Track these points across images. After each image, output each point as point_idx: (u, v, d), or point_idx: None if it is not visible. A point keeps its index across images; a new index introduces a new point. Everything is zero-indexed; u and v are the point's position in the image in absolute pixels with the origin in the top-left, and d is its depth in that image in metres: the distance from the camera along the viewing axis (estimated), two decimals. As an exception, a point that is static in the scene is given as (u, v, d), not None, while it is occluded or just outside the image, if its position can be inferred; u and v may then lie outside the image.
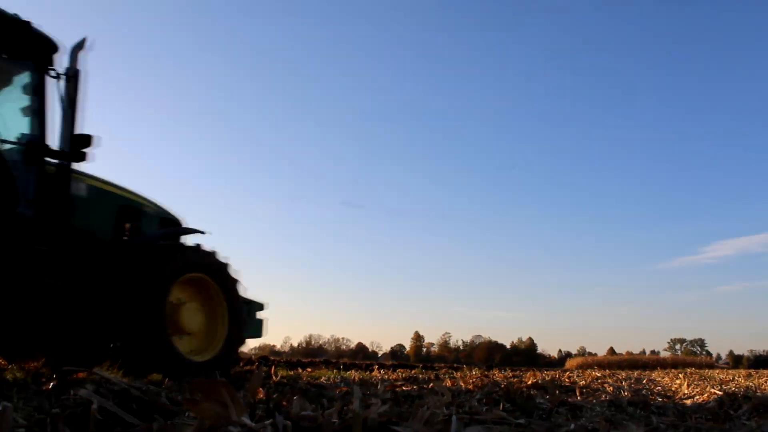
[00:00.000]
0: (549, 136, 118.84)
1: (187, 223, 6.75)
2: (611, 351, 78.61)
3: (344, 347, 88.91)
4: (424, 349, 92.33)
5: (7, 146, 4.81)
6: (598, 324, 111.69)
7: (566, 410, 3.68)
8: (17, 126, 5.18)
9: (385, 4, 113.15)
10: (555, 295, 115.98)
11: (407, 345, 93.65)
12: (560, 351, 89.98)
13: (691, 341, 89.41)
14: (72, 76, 5.15)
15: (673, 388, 6.90)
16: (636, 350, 77.67)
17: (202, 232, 6.23)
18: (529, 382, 5.59)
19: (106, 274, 5.25)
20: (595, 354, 75.29)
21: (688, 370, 20.98)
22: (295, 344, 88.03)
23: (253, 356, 19.75)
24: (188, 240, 6.43)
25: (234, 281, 6.08)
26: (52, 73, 5.22)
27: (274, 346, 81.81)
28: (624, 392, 5.75)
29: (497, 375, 10.88)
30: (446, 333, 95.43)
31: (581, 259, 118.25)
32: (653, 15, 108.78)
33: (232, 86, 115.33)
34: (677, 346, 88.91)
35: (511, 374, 11.29)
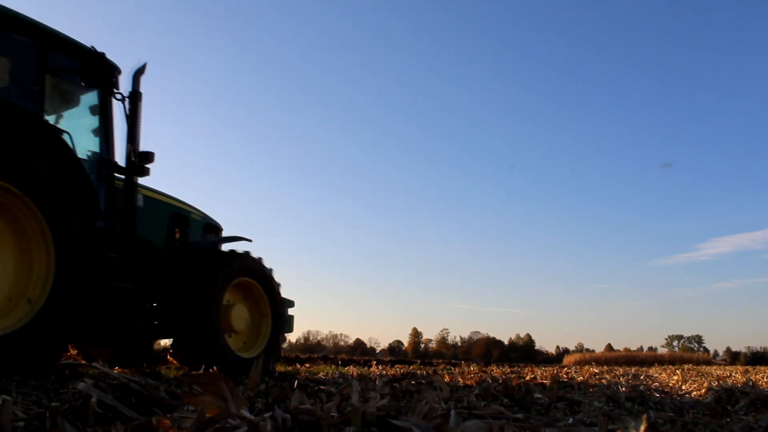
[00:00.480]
0: (548, 134, 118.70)
1: (225, 228, 7.36)
2: (609, 347, 78.76)
3: (342, 343, 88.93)
4: (422, 346, 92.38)
5: (84, 163, 5.20)
6: (595, 320, 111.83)
7: (564, 405, 3.69)
8: (88, 144, 5.59)
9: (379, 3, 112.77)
10: (553, 292, 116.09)
11: (405, 341, 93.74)
12: (558, 347, 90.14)
13: (688, 338, 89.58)
14: (134, 98, 5.63)
15: (670, 384, 6.93)
16: (633, 347, 77.75)
17: (250, 240, 6.83)
18: (527, 378, 5.60)
19: (167, 278, 5.83)
20: (593, 350, 75.51)
21: (686, 367, 21.04)
22: (293, 340, 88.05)
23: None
24: (231, 245, 6.90)
25: (277, 285, 6.75)
26: (117, 95, 5.69)
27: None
28: (622, 388, 5.76)
29: (495, 371, 10.91)
30: (444, 329, 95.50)
31: (579, 255, 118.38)
32: (653, 14, 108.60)
33: (227, 83, 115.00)
34: (675, 343, 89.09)
35: (509, 370, 11.32)
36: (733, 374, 11.69)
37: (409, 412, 2.24)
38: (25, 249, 4.50)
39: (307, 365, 11.61)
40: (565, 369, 14.61)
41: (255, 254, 6.55)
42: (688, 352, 68.90)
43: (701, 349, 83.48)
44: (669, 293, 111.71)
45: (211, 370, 2.29)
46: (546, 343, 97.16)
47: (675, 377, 8.82)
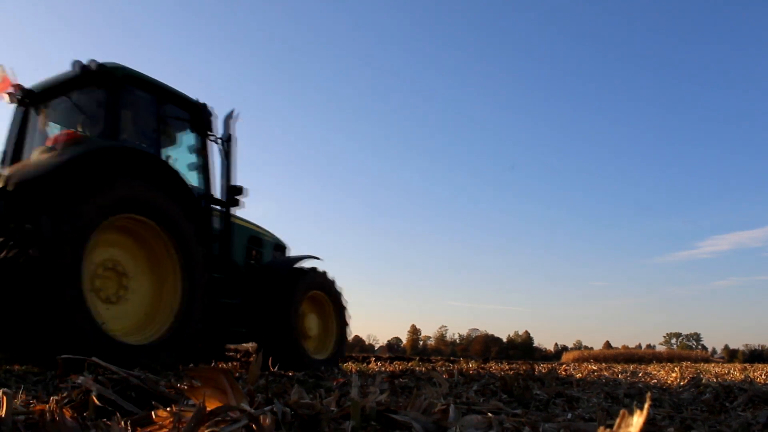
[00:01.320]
0: (547, 134, 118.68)
1: (290, 246, 8.41)
2: (607, 345, 78.94)
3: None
4: (421, 343, 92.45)
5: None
6: (594, 318, 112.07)
7: (563, 401, 3.70)
8: (191, 180, 6.37)
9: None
10: (552, 289, 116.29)
11: (404, 338, 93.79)
12: (556, 345, 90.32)
13: (686, 335, 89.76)
14: (227, 140, 6.64)
15: (668, 381, 6.94)
16: (632, 344, 77.96)
17: (319, 259, 7.78)
18: (524, 368, 5.62)
19: (253, 292, 6.78)
20: (591, 348, 75.54)
21: (684, 364, 21.07)
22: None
23: (250, 348, 19.80)
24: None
25: (340, 295, 7.86)
26: (212, 137, 6.67)
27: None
28: (620, 384, 5.77)
29: (494, 368, 10.93)
30: (443, 326, 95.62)
31: (578, 253, 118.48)
32: (653, 14, 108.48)
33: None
34: (673, 341, 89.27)
35: (507, 367, 11.34)
36: (732, 371, 11.72)
37: (408, 407, 2.25)
38: (159, 273, 5.37)
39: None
40: (564, 366, 14.64)
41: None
42: (687, 350, 68.95)
43: (699, 346, 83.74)
44: (667, 291, 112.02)
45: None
46: (544, 341, 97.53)
47: (673, 374, 8.84)
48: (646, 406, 0.94)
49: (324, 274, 7.60)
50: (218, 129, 6.67)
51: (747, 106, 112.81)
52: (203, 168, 6.61)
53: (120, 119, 5.64)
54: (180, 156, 6.53)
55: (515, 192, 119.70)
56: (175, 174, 5.70)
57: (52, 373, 3.82)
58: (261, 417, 1.60)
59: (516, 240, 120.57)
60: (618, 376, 8.59)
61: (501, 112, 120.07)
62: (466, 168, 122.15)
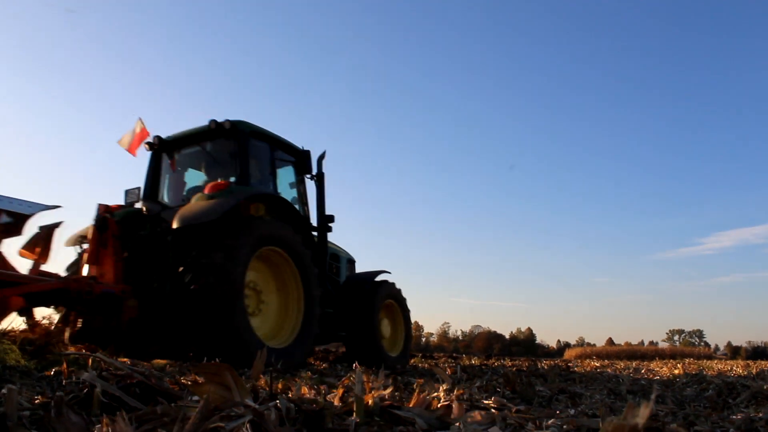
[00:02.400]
0: (551, 128, 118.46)
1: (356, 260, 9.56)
2: (610, 341, 78.83)
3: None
4: (423, 339, 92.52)
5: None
6: (596, 315, 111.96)
7: (566, 398, 3.70)
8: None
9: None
10: (554, 286, 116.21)
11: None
12: (559, 341, 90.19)
13: (689, 332, 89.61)
14: (319, 177, 7.89)
15: (671, 379, 6.93)
16: (634, 341, 77.93)
17: (390, 272, 9.03)
18: (527, 365, 5.61)
19: (345, 302, 8.10)
20: (594, 344, 75.55)
21: (687, 361, 21.05)
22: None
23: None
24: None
25: (406, 302, 9.24)
26: (308, 175, 7.98)
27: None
28: (623, 381, 5.77)
29: (496, 364, 10.92)
30: (445, 323, 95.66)
31: (580, 250, 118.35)
32: (651, 15, 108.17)
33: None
34: (676, 337, 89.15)
35: (510, 364, 11.33)
36: (734, 368, 11.70)
37: (412, 403, 2.25)
38: (285, 290, 6.57)
39: (310, 359, 11.64)
40: (567, 363, 14.62)
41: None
42: (689, 347, 68.83)
43: (702, 343, 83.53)
44: (670, 287, 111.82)
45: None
46: (547, 337, 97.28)
47: (676, 371, 8.83)
48: (652, 397, 0.94)
49: (394, 285, 8.97)
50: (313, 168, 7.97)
51: (750, 102, 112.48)
52: (302, 200, 8.07)
53: (249, 167, 6.86)
54: (283, 191, 7.75)
55: (517, 189, 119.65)
56: (296, 212, 7.13)
57: (56, 369, 3.83)
58: (265, 412, 1.60)
59: (519, 237, 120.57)
60: (621, 372, 8.59)
61: (501, 111, 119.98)
62: (468, 165, 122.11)
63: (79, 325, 5.84)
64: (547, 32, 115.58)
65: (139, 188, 7.17)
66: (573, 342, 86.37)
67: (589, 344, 77.36)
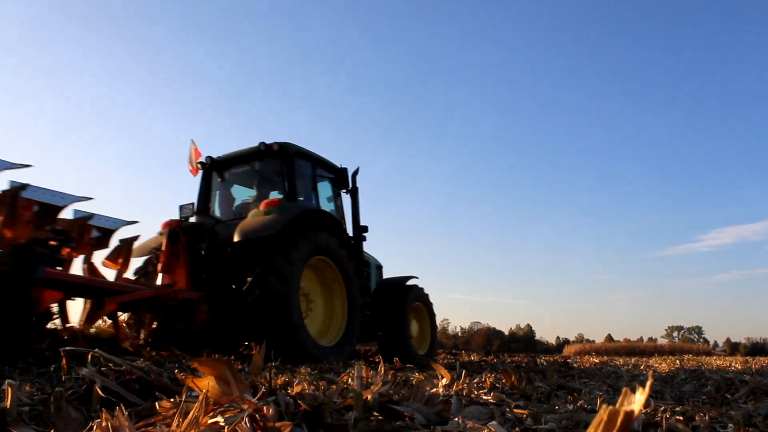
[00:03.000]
0: (551, 127, 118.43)
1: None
2: (609, 338, 78.89)
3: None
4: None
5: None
6: (596, 311, 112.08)
7: (565, 393, 3.70)
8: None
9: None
10: (553, 283, 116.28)
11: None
12: (558, 338, 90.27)
13: (688, 329, 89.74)
14: (354, 191, 8.50)
15: (670, 375, 6.95)
16: (634, 337, 77.87)
17: (417, 278, 9.69)
18: (528, 367, 5.62)
19: (378, 305, 8.79)
20: (593, 341, 75.62)
21: (686, 357, 21.08)
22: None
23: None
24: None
25: (432, 305, 10.07)
26: (344, 190, 8.67)
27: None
28: (621, 377, 5.78)
29: (495, 361, 10.93)
30: (444, 319, 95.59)
31: (580, 246, 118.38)
32: (650, 15, 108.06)
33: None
34: (675, 334, 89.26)
35: (509, 360, 11.34)
36: (733, 364, 11.72)
37: (411, 399, 2.25)
38: (330, 295, 7.37)
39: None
40: (566, 359, 14.64)
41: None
42: (688, 343, 68.98)
43: (701, 340, 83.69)
44: (669, 284, 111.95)
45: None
46: (546, 334, 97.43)
47: (675, 367, 8.84)
48: (648, 383, 0.94)
49: (422, 289, 9.73)
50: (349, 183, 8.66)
51: (749, 99, 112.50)
52: (339, 213, 8.80)
53: (296, 184, 7.61)
54: (323, 205, 8.39)
55: (516, 186, 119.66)
56: (340, 226, 7.92)
57: (55, 366, 3.84)
58: (264, 407, 1.60)
59: (518, 233, 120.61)
60: (620, 368, 8.60)
61: (501, 109, 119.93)
62: (467, 162, 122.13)
63: (154, 326, 6.54)
64: (546, 31, 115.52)
65: (192, 204, 7.78)
66: (572, 338, 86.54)
67: (588, 341, 77.48)
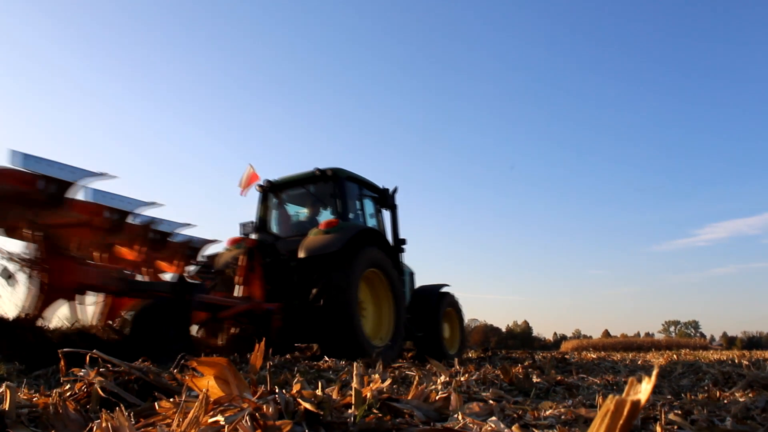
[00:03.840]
0: (546, 123, 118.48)
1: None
2: (606, 333, 78.98)
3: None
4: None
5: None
6: (593, 307, 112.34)
7: (563, 389, 3.71)
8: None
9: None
10: (550, 279, 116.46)
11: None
12: (555, 334, 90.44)
13: (685, 323, 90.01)
14: (393, 208, 9.53)
15: (668, 369, 6.97)
16: (630, 333, 78.11)
17: (449, 285, 10.62)
18: (526, 363, 5.64)
19: (416, 309, 9.66)
20: (590, 336, 75.71)
21: (683, 352, 21.15)
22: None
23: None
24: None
25: (461, 309, 11.08)
26: (384, 207, 9.63)
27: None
28: (619, 372, 5.80)
29: (491, 354, 10.95)
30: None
31: (576, 242, 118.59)
32: (648, 8, 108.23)
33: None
34: (671, 329, 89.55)
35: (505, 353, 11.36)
36: (730, 358, 11.75)
37: (410, 396, 2.26)
38: (378, 301, 8.34)
39: (308, 353, 11.76)
40: (563, 355, 14.66)
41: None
42: (685, 338, 69.11)
43: (698, 334, 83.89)
44: (666, 279, 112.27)
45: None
46: (543, 330, 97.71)
47: (672, 362, 8.86)
48: (654, 372, 0.94)
49: (453, 296, 10.74)
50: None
51: (745, 93, 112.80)
52: (380, 227, 9.62)
53: (347, 205, 8.54)
54: (367, 221, 9.20)
55: (513, 183, 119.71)
56: (387, 241, 8.81)
57: (54, 368, 3.83)
58: (264, 406, 1.61)
59: (514, 229, 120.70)
60: (617, 364, 8.62)
61: (497, 109, 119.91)
62: (465, 159, 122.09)
63: (232, 331, 7.43)
64: (544, 30, 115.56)
65: (252, 222, 8.67)
66: (569, 334, 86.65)
67: (585, 336, 77.61)
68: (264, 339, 2.27)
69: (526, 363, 5.80)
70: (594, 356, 12.91)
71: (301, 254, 7.38)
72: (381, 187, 9.58)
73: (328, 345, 7.11)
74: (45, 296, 4.77)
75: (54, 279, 4.82)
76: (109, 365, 2.39)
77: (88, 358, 2.51)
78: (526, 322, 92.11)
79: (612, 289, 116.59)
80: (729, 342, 75.46)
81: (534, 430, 1.95)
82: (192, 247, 7.25)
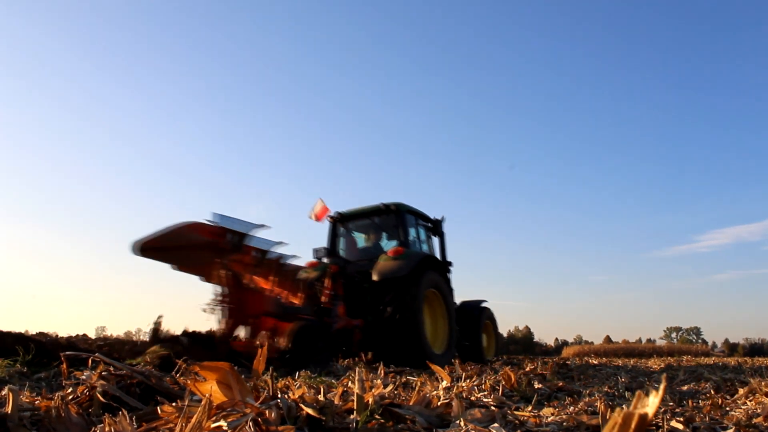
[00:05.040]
0: (548, 128, 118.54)
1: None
2: (608, 339, 78.91)
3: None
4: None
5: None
6: (594, 313, 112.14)
7: (565, 395, 3.71)
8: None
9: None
10: (551, 285, 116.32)
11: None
12: (557, 339, 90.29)
13: (686, 330, 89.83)
14: (441, 235, 11.01)
15: (669, 375, 6.95)
16: (632, 339, 77.92)
17: (486, 300, 12.23)
18: (527, 369, 5.62)
19: (460, 322, 10.62)
20: (592, 342, 75.62)
21: (684, 358, 21.09)
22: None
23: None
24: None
25: (496, 321, 12.60)
26: (434, 234, 11.06)
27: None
28: (621, 378, 5.78)
29: (495, 363, 10.94)
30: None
31: (578, 248, 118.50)
32: (650, 15, 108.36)
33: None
34: (673, 335, 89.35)
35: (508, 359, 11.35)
36: (732, 365, 11.71)
37: (412, 401, 2.25)
38: (434, 315, 9.53)
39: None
40: (565, 360, 14.62)
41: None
42: (687, 344, 68.96)
43: (700, 340, 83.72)
44: (667, 285, 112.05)
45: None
46: (545, 336, 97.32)
47: (674, 368, 8.83)
48: (662, 386, 0.94)
49: (490, 309, 12.20)
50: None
51: (746, 99, 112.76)
52: (431, 251, 10.94)
53: (408, 234, 9.96)
54: (423, 248, 10.57)
55: (514, 187, 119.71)
56: (441, 266, 10.34)
57: (55, 371, 3.83)
58: (267, 411, 1.61)
59: (516, 235, 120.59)
60: (619, 370, 8.60)
61: (500, 109, 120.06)
62: (465, 164, 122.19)
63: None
64: (545, 28, 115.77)
65: (323, 247, 10.10)
66: (571, 340, 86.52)
67: (587, 342, 77.50)
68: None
69: (527, 369, 5.79)
70: (595, 362, 12.89)
71: (375, 277, 8.60)
72: (432, 217, 11.05)
73: (398, 354, 8.18)
74: (233, 321, 6.36)
75: (237, 308, 6.41)
76: (111, 368, 2.39)
77: (90, 361, 2.51)
78: (527, 328, 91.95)
79: (614, 295, 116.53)
80: (731, 349, 75.28)
81: (536, 436, 1.95)
82: (281, 263, 7.98)
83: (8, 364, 4.34)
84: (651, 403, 0.89)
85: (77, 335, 13.81)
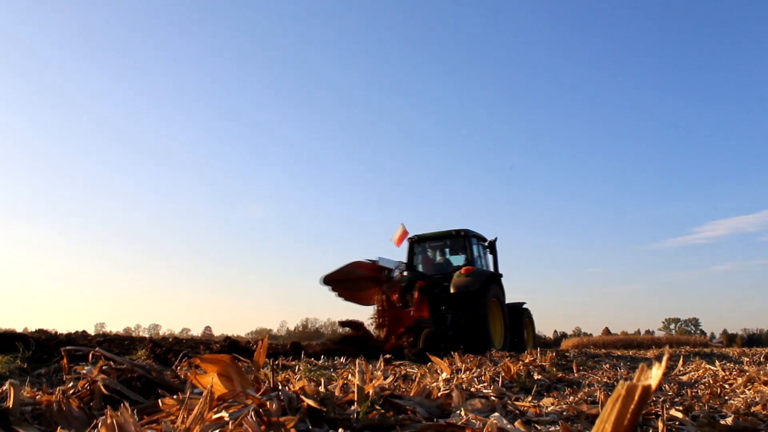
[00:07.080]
0: (545, 120, 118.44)
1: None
2: (606, 331, 78.98)
3: (341, 330, 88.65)
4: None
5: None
6: (593, 305, 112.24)
7: (564, 386, 3.72)
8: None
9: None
10: (549, 277, 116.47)
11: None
12: (556, 332, 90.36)
13: (685, 321, 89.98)
14: (495, 253, 13.68)
15: (669, 365, 6.96)
16: (631, 330, 78.09)
17: (525, 303, 14.42)
18: (527, 360, 5.64)
19: (508, 322, 12.94)
20: (591, 334, 75.73)
21: (683, 349, 21.16)
22: (292, 328, 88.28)
23: (250, 339, 20.69)
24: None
25: (533, 319, 14.79)
26: (489, 252, 13.73)
27: (270, 330, 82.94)
28: (620, 369, 5.80)
29: (495, 354, 10.96)
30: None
31: (575, 240, 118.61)
32: (648, 3, 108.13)
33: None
34: (672, 326, 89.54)
35: (507, 354, 11.38)
36: (730, 355, 11.76)
37: (412, 393, 2.26)
38: (494, 321, 12.04)
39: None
40: (564, 353, 14.68)
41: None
42: (685, 335, 69.14)
43: (698, 331, 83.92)
44: (666, 276, 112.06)
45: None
46: (543, 328, 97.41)
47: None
48: (665, 358, 0.94)
49: (529, 310, 14.42)
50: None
51: (744, 90, 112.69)
52: (486, 265, 13.48)
53: (474, 254, 12.83)
54: (482, 263, 13.36)
55: (512, 180, 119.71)
56: (500, 278, 12.94)
57: (55, 367, 3.84)
58: (268, 402, 1.61)
59: (513, 227, 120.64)
60: (618, 361, 8.63)
61: (497, 106, 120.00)
62: (464, 156, 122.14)
63: (410, 339, 10.96)
64: (541, 26, 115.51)
65: (402, 262, 12.57)
66: (570, 332, 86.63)
67: (585, 334, 77.58)
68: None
69: (527, 360, 5.81)
70: (595, 352, 12.94)
71: (452, 290, 11.25)
72: (488, 238, 13.86)
73: (472, 349, 9.82)
74: (387, 332, 10.47)
75: (390, 323, 10.62)
76: (111, 362, 2.40)
77: (90, 355, 2.52)
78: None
79: (612, 287, 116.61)
80: (729, 339, 75.51)
81: (536, 426, 1.96)
82: (395, 278, 11.48)
83: (8, 360, 4.35)
84: (654, 375, 0.89)
85: (77, 332, 13.86)
